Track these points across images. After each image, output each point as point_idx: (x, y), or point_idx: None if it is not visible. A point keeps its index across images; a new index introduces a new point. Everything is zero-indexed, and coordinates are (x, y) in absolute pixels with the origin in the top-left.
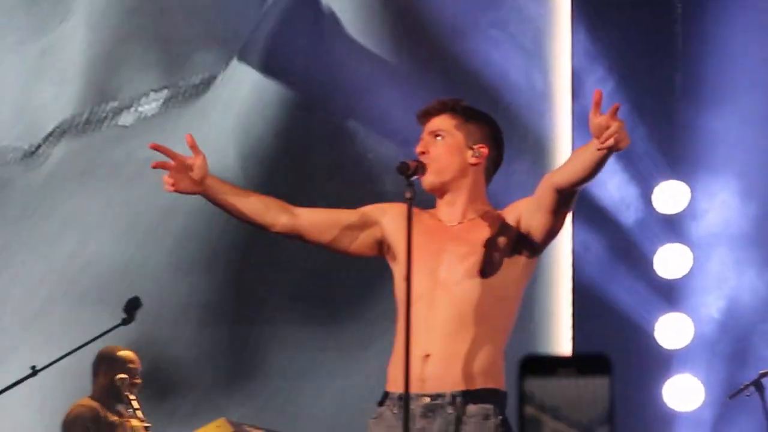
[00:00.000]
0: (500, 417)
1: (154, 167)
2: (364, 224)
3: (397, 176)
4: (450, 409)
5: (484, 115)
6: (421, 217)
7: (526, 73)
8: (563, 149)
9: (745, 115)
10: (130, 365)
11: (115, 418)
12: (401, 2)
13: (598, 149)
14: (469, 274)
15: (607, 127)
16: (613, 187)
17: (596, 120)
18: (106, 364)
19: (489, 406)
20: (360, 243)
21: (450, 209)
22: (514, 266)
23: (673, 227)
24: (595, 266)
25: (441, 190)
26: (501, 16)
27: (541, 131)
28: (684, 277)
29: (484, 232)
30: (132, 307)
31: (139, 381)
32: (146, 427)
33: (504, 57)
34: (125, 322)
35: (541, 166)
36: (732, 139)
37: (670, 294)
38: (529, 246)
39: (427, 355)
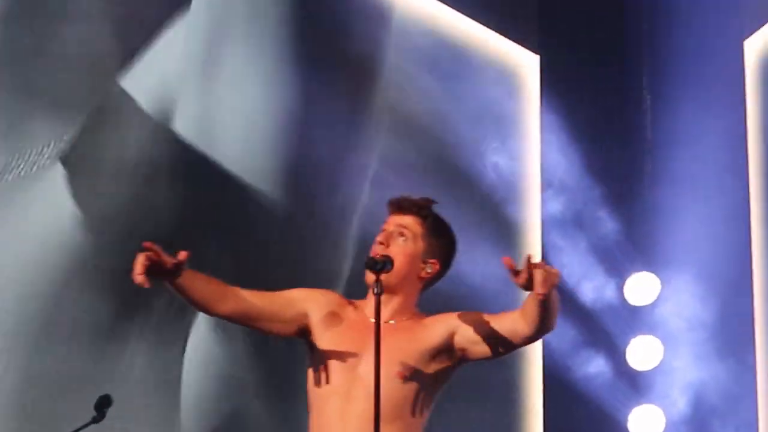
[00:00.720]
0: None
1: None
2: (294, 310)
3: None
4: None
5: (448, 231)
6: (346, 309)
7: (496, 162)
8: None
9: (711, 201)
10: None
11: None
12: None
13: (538, 296)
14: (388, 375)
15: (535, 276)
16: (587, 282)
17: (520, 280)
18: None
19: None
20: (284, 327)
21: (381, 308)
22: (435, 370)
23: (644, 318)
24: (566, 356)
25: (385, 286)
26: (471, 109)
27: (511, 219)
28: (654, 368)
29: (409, 335)
30: (102, 404)
31: None
32: None
33: (475, 146)
34: (95, 420)
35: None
36: (698, 229)
37: (641, 385)
38: (456, 359)
39: None
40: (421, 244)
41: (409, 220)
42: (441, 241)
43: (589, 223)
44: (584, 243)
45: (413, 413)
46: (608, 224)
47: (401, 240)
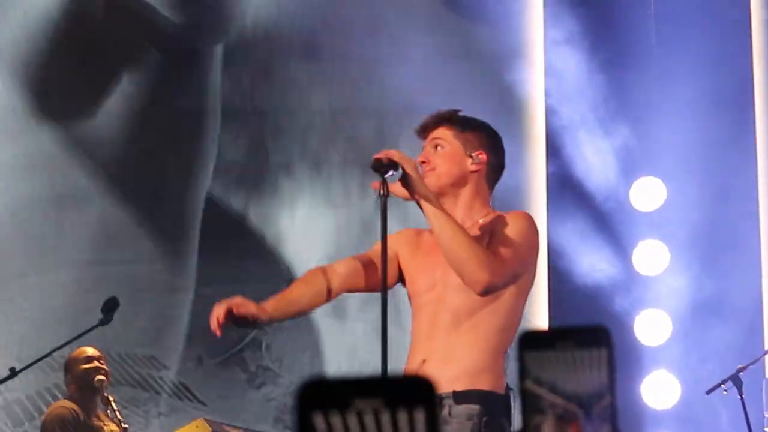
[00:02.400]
0: (485, 418)
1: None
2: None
3: None
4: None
5: (481, 123)
6: (422, 235)
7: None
8: None
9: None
10: (101, 364)
11: (93, 420)
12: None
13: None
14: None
15: None
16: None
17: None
18: (78, 364)
19: (475, 407)
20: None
21: (452, 212)
22: None
23: (651, 222)
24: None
25: (441, 193)
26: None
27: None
28: (660, 273)
29: (480, 239)
30: (109, 307)
31: (108, 380)
32: (124, 429)
33: None
34: (102, 322)
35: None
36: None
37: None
38: None
39: (424, 361)
40: (457, 143)
41: (437, 132)
42: (476, 133)
43: (596, 126)
44: (591, 148)
45: (492, 319)
46: (615, 128)
47: (438, 150)
